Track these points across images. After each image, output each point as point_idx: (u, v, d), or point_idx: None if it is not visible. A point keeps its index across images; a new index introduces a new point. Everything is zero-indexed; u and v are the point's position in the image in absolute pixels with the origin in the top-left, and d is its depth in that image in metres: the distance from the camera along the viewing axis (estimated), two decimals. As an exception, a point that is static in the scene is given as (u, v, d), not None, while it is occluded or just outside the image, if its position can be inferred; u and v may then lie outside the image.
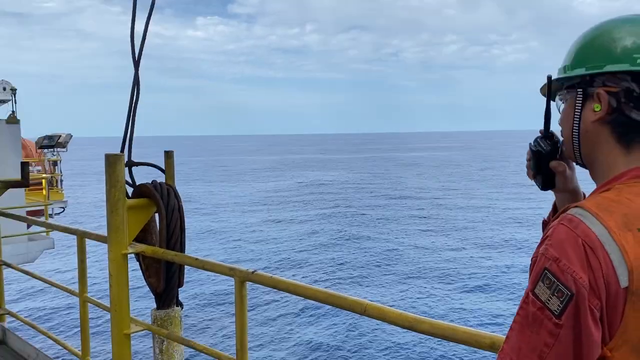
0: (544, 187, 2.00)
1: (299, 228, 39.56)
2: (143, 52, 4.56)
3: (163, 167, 4.65)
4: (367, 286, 24.60)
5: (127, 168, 4.47)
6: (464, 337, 2.44)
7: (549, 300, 1.52)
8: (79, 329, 5.16)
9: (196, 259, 4.07)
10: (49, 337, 5.81)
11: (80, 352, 5.19)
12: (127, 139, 4.48)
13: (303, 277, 25.91)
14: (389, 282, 25.48)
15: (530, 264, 1.63)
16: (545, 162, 1.96)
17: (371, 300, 2.88)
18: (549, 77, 1.89)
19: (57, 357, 6.43)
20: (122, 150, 4.47)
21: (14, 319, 6.84)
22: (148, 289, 4.63)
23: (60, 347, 5.64)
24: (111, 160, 4.33)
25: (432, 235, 36.64)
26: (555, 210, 2.09)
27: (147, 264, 4.60)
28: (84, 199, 57.44)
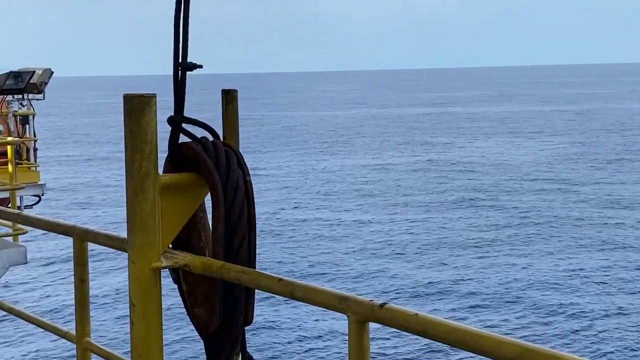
0: None
1: (430, 225, 27.92)
2: None
3: (219, 122, 2.97)
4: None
5: (171, 129, 2.84)
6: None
7: None
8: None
9: (279, 279, 2.45)
10: None
11: None
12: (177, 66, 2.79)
13: (450, 310, 18.00)
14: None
15: None
16: None
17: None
18: None
19: None
20: (177, 102, 2.81)
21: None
22: (192, 326, 2.85)
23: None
24: (135, 105, 2.65)
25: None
26: None
27: (192, 285, 2.84)
28: (72, 179, 40.74)
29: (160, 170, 2.77)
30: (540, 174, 41.21)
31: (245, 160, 2.79)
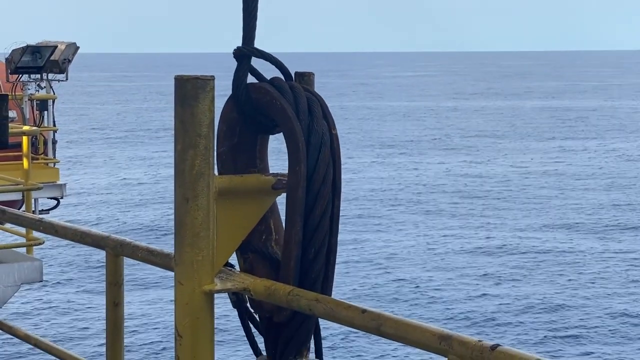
0: None
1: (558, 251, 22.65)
2: None
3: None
4: None
5: (238, 63, 2.34)
6: None
7: None
8: None
9: (363, 310, 2.04)
10: None
11: None
12: None
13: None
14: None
15: None
16: None
17: None
18: None
19: None
20: (246, 30, 2.32)
21: None
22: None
23: None
24: (189, 91, 2.19)
25: None
26: None
27: (252, 261, 2.42)
28: (100, 178, 32.79)
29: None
30: None
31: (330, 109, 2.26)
